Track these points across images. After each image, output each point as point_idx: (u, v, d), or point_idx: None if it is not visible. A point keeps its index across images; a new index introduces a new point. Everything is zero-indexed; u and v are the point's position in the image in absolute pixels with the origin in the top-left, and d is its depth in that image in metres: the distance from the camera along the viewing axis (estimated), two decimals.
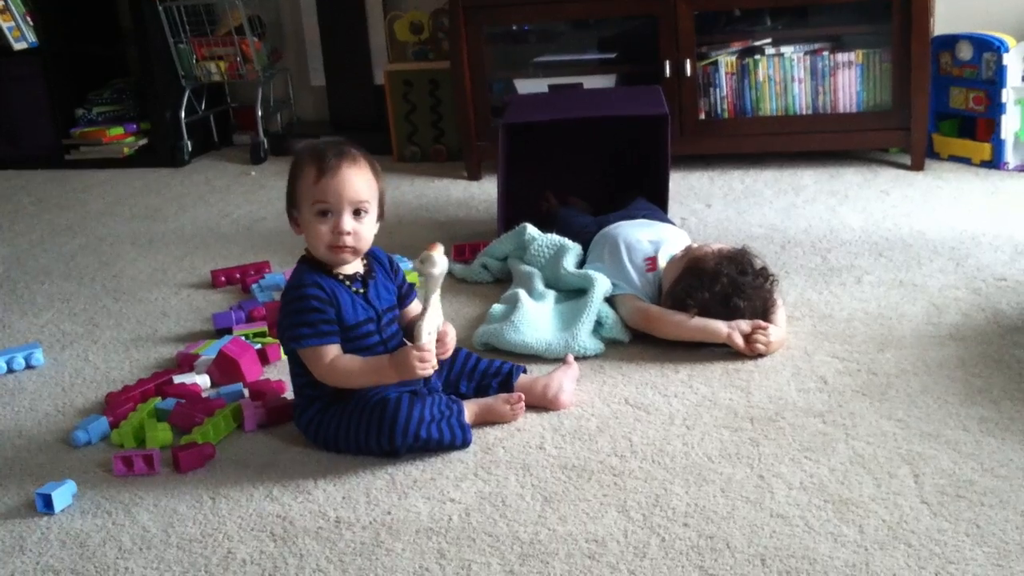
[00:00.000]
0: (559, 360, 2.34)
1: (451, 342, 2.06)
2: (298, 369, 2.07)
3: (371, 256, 2.11)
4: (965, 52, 3.67)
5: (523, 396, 2.14)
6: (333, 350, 2.00)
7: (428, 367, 1.98)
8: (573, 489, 1.88)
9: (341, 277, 2.04)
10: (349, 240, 2.00)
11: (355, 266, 2.07)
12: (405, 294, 2.14)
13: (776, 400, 2.14)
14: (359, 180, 2.01)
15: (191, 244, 3.50)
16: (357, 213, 2.01)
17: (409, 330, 2.08)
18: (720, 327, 2.34)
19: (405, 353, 1.98)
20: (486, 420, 2.11)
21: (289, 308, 2.02)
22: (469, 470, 1.97)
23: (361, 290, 2.05)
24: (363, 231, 2.02)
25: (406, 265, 3.01)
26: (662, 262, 2.56)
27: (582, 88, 3.93)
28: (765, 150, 3.86)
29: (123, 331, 2.79)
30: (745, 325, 2.33)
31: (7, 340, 2.79)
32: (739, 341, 2.32)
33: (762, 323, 2.34)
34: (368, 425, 2.00)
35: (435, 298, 2.00)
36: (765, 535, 1.70)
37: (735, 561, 1.64)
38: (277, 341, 2.54)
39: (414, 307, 2.15)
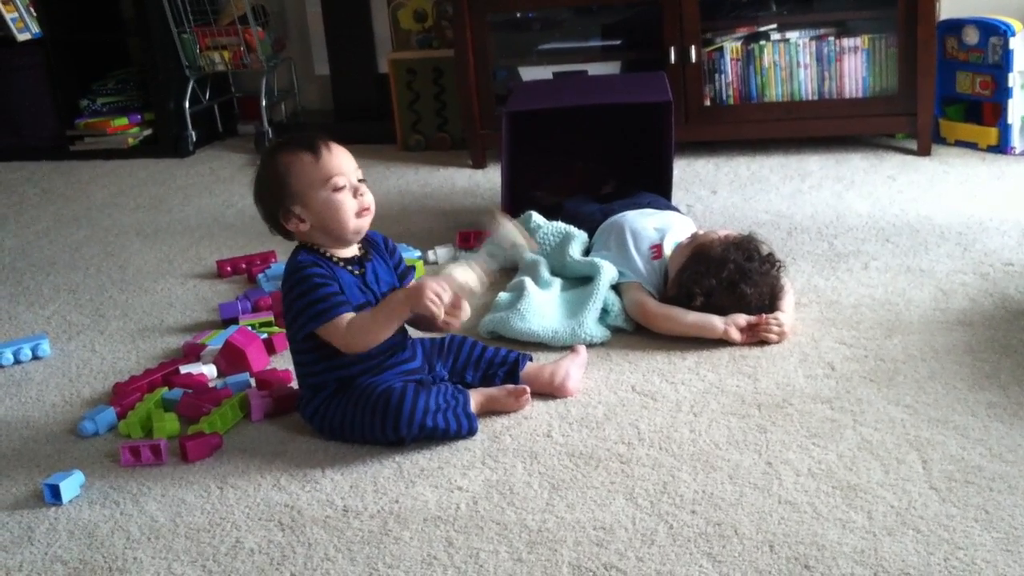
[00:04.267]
0: (565, 348, 2.34)
1: (462, 314, 2.03)
2: (302, 359, 2.07)
3: (366, 238, 2.11)
4: (971, 36, 3.65)
5: (528, 389, 2.13)
6: (349, 318, 1.99)
7: (438, 305, 1.95)
8: (580, 477, 1.87)
9: (337, 260, 2.04)
10: (369, 200, 2.03)
11: (351, 250, 2.07)
12: (403, 274, 2.15)
13: (783, 387, 2.14)
14: (349, 156, 2.05)
15: (196, 234, 3.50)
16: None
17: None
18: (716, 323, 2.33)
19: (420, 284, 1.97)
20: (491, 410, 2.11)
21: (297, 291, 2.00)
22: (476, 458, 1.97)
23: (359, 271, 2.06)
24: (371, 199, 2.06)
25: (412, 254, 3.00)
26: (668, 249, 2.55)
27: (586, 75, 3.92)
28: (771, 136, 3.85)
29: (129, 321, 2.79)
30: (741, 320, 2.33)
31: (14, 331, 2.79)
32: (735, 336, 2.32)
33: (762, 317, 2.32)
34: (373, 416, 2.00)
35: (476, 261, 2.03)
36: (773, 522, 1.69)
37: (743, 548, 1.64)
38: (283, 331, 2.54)
39: None
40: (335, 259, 2.04)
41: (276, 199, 2.02)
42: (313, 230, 2.02)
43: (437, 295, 1.94)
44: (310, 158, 2.00)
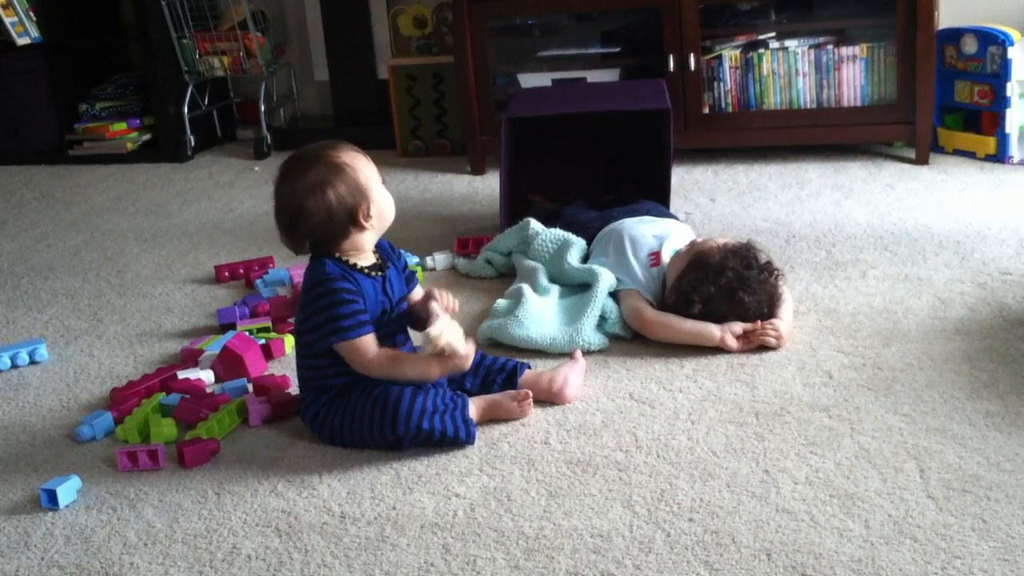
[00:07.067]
0: (563, 355, 2.34)
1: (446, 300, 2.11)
2: (313, 363, 2.07)
3: (379, 245, 2.13)
4: (970, 46, 3.66)
5: (530, 393, 2.13)
6: (371, 340, 2.01)
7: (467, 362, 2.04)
8: (578, 484, 1.87)
9: (361, 268, 2.04)
10: None
11: (370, 257, 2.08)
12: (408, 278, 2.17)
13: (781, 395, 2.14)
14: None
15: (195, 239, 3.50)
16: None
17: (415, 314, 2.12)
18: (713, 331, 2.33)
19: (460, 359, 2.02)
20: (493, 417, 2.11)
21: (321, 303, 2.00)
22: (474, 465, 1.96)
23: (380, 274, 2.07)
24: None
25: (411, 260, 3.01)
26: (666, 257, 2.55)
27: (585, 82, 3.92)
28: (769, 144, 3.85)
29: (127, 326, 2.79)
30: (738, 327, 2.33)
31: (11, 335, 2.79)
32: (732, 344, 2.32)
33: (759, 324, 2.33)
34: (371, 416, 2.00)
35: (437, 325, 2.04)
36: (771, 530, 1.69)
37: (741, 556, 1.64)
38: (281, 336, 2.54)
39: (416, 293, 2.18)
40: (359, 268, 2.05)
41: (356, 201, 2.01)
42: (375, 228, 2.05)
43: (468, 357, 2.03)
44: (364, 159, 2.06)
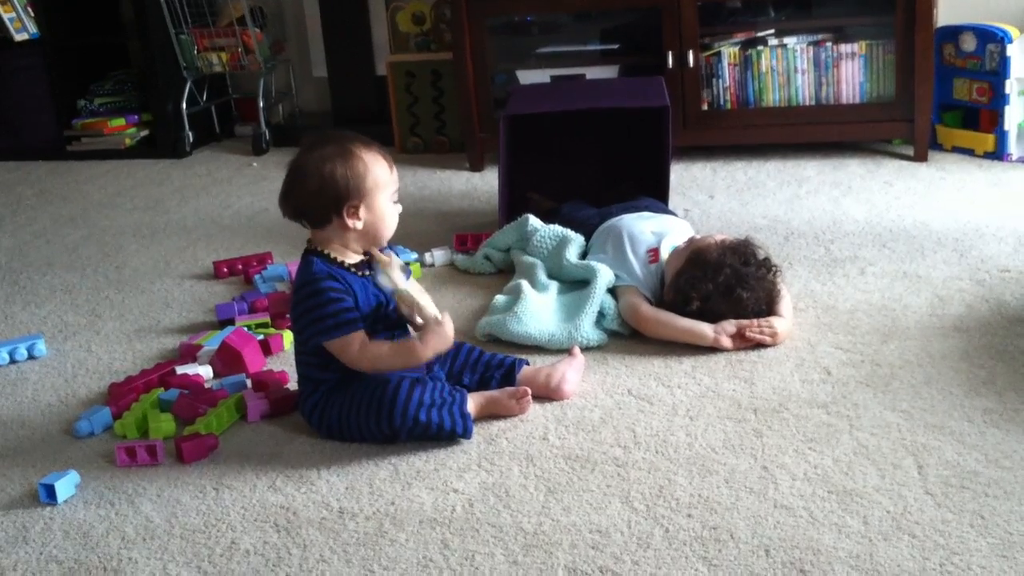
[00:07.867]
0: (562, 351, 2.34)
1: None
2: (305, 358, 2.08)
3: None
4: (968, 43, 3.66)
5: (529, 391, 2.13)
6: (359, 337, 2.01)
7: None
8: (577, 480, 1.88)
9: (348, 266, 2.04)
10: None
11: (357, 257, 2.08)
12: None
13: (780, 391, 2.14)
14: None
15: (193, 235, 3.49)
16: None
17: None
18: (706, 330, 2.33)
19: (440, 329, 2.03)
20: (491, 413, 2.11)
21: (308, 303, 2.01)
22: (472, 461, 1.97)
23: (368, 272, 2.07)
24: None
25: (409, 256, 3.01)
26: (664, 253, 2.55)
27: (584, 79, 3.92)
28: (768, 141, 3.85)
29: (126, 322, 2.78)
30: (731, 327, 2.32)
31: (10, 331, 2.79)
32: (726, 343, 2.32)
33: (753, 321, 2.32)
34: (368, 408, 2.01)
35: (410, 287, 2.07)
36: (769, 526, 1.69)
37: (739, 552, 1.64)
38: (279, 332, 2.54)
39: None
40: (347, 266, 2.05)
41: (348, 192, 2.01)
42: (361, 231, 2.04)
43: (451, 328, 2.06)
44: (386, 164, 2.05)
